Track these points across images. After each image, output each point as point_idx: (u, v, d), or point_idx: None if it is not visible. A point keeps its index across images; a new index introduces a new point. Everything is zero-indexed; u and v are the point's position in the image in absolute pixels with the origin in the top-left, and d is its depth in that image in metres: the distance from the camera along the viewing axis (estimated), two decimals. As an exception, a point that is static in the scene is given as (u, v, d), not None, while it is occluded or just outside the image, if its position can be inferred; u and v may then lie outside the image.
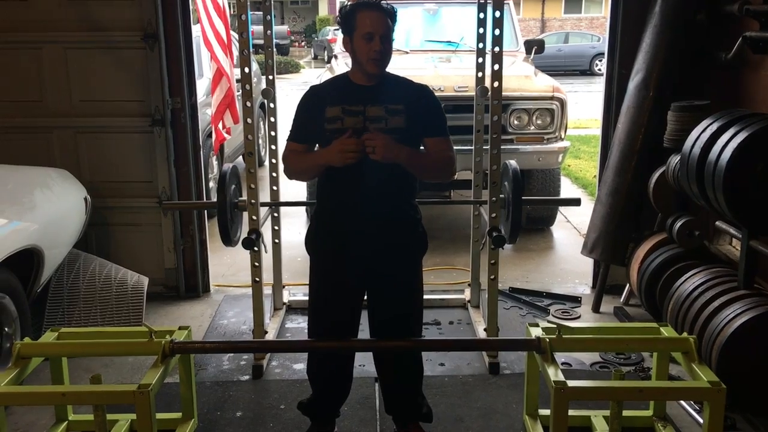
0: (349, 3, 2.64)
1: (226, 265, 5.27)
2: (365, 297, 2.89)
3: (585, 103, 13.90)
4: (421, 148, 2.76)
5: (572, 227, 6.25)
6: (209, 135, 5.73)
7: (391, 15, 2.63)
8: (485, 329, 3.84)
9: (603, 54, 20.63)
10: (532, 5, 31.42)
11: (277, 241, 4.41)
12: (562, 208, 6.41)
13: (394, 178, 2.66)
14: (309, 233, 2.87)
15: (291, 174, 2.80)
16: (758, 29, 3.72)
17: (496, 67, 3.45)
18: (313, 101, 2.74)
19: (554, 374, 2.66)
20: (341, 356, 2.94)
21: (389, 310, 2.84)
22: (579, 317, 4.38)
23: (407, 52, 6.30)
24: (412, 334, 2.89)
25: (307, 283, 4.90)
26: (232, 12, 7.40)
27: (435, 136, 2.72)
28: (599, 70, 21.01)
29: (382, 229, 2.72)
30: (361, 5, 2.61)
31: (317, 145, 2.78)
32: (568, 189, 7.48)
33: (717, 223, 3.61)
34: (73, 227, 4.07)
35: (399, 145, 2.57)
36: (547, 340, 2.82)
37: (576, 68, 21.58)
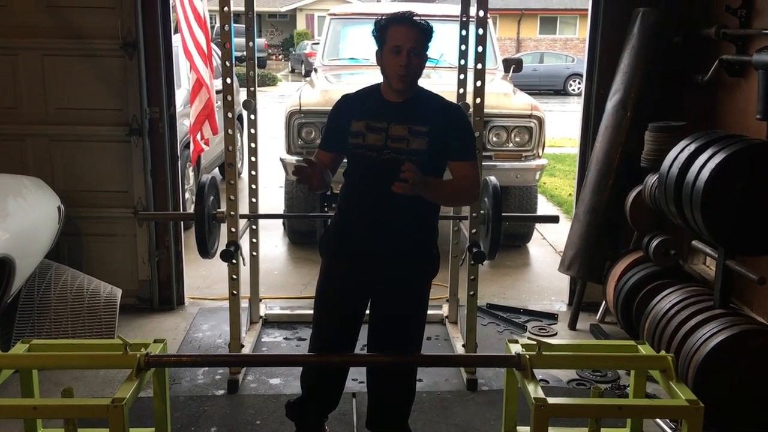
0: (384, 17, 2.61)
1: (202, 277, 5.20)
2: (366, 311, 2.87)
3: (559, 123, 14.06)
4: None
5: (548, 244, 6.29)
6: (186, 146, 5.68)
7: (425, 31, 2.59)
8: (463, 345, 3.84)
9: (577, 74, 20.73)
10: (508, 25, 31.78)
11: (255, 253, 4.37)
12: (538, 226, 6.46)
13: (415, 196, 2.58)
14: (324, 235, 2.90)
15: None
16: (734, 53, 3.80)
17: (479, 83, 3.48)
18: (342, 111, 2.74)
19: (534, 391, 2.65)
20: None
21: (388, 325, 2.81)
22: (556, 334, 4.40)
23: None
24: (408, 352, 2.85)
25: (284, 296, 4.94)
26: (212, 23, 7.39)
27: (459, 160, 2.69)
28: (573, 90, 21.30)
29: (394, 242, 2.69)
30: (395, 20, 2.58)
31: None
32: (543, 206, 7.53)
33: (693, 242, 3.65)
34: (46, 237, 3.99)
35: (424, 178, 2.50)
36: (528, 356, 2.81)
37: (551, 88, 21.85)
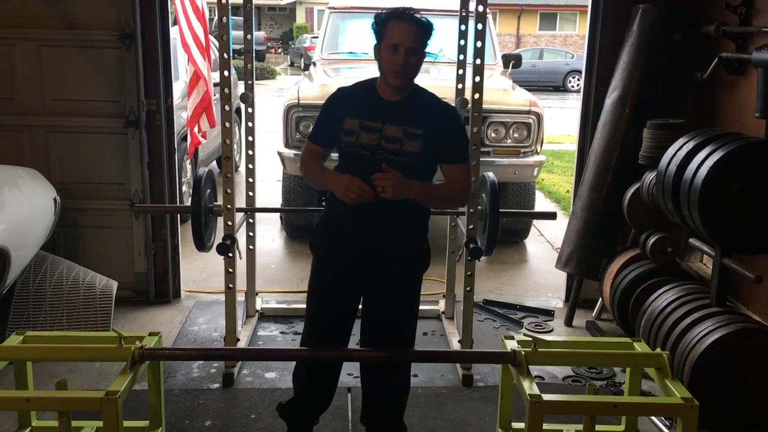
0: (384, 11, 2.59)
1: (198, 270, 5.19)
2: (359, 306, 2.85)
3: (558, 119, 14.03)
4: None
5: (546, 241, 6.29)
6: (184, 138, 5.66)
7: (424, 29, 2.56)
8: (459, 341, 3.83)
9: (576, 71, 20.58)
10: (508, 20, 31.73)
11: (251, 247, 4.36)
12: (536, 222, 6.45)
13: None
14: (315, 232, 2.88)
15: (305, 176, 2.83)
16: (734, 50, 3.79)
17: (477, 79, 3.47)
18: (336, 105, 2.71)
19: (529, 387, 2.65)
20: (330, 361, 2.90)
21: (381, 320, 2.80)
22: (552, 330, 4.40)
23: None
24: (402, 346, 2.84)
25: (281, 290, 4.93)
26: (211, 15, 7.36)
27: (452, 163, 2.67)
28: (573, 86, 21.27)
29: (384, 239, 2.68)
30: (394, 15, 2.55)
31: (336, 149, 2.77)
32: (541, 203, 7.53)
33: (690, 240, 3.65)
34: (41, 228, 3.98)
35: (409, 182, 2.52)
36: (523, 353, 2.81)
37: (550, 84, 21.81)
